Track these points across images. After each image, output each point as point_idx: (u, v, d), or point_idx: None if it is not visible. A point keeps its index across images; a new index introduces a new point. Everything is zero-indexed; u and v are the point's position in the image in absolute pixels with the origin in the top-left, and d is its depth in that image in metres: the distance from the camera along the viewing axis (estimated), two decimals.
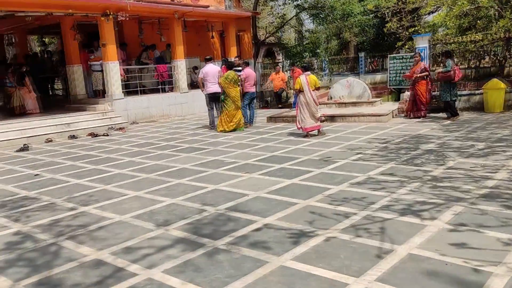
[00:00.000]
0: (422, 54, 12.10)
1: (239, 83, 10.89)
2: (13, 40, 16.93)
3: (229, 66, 11.33)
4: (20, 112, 13.10)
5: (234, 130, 10.89)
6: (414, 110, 11.30)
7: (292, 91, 17.14)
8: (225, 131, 10.82)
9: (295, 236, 4.03)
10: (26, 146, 10.16)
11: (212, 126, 11.56)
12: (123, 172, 7.18)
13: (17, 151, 9.79)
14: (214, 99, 11.35)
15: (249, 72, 11.51)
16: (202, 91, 11.59)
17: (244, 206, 4.99)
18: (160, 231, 4.38)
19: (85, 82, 14.57)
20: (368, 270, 3.30)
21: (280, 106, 17.34)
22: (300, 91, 9.33)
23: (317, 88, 9.51)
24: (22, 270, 3.66)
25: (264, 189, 5.61)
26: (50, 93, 17.15)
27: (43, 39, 20.51)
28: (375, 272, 3.26)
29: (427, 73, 11.11)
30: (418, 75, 11.01)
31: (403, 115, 11.73)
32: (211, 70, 11.25)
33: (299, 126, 9.53)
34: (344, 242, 3.83)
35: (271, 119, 12.39)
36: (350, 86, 13.36)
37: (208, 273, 3.42)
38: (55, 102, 15.52)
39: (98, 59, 13.91)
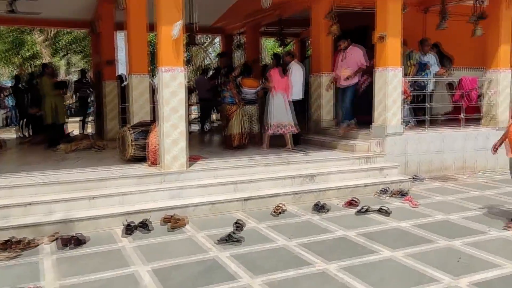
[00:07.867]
0: None
1: None
2: (242, 41, 12.99)
3: None
4: (239, 144, 8.50)
5: None
6: None
7: None
8: None
9: None
10: (239, 224, 5.15)
11: None
12: None
13: (222, 239, 4.77)
14: None
15: None
16: None
17: None
18: None
19: (337, 98, 9.11)
20: None
21: None
22: None
23: None
24: None
25: None
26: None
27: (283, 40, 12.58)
28: None
29: None
30: None
31: None
32: None
33: None
34: None
35: None
36: None
37: None
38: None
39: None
